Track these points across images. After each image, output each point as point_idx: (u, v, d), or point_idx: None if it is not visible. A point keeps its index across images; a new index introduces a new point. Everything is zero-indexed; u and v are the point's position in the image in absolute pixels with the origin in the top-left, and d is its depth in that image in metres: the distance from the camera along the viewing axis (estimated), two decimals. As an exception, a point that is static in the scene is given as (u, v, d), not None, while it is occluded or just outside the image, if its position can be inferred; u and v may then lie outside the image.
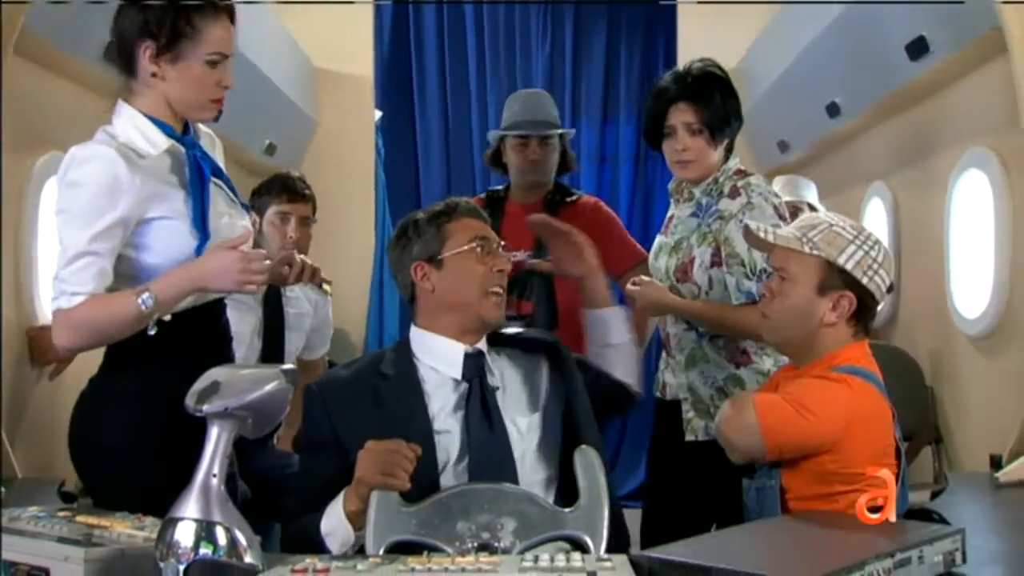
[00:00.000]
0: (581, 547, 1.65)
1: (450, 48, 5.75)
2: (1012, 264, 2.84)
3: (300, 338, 3.05)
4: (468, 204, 2.04)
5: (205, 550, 1.39)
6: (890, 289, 1.96)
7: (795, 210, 2.96)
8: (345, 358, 4.47)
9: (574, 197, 3.14)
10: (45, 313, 2.55)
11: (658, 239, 2.59)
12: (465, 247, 1.96)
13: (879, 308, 1.96)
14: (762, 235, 1.96)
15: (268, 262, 1.91)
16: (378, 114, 5.46)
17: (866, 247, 1.88)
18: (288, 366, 1.55)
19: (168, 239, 1.88)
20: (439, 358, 1.95)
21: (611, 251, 3.01)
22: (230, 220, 1.97)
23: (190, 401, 1.47)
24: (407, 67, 5.77)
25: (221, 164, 2.06)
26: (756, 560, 1.39)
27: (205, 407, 1.46)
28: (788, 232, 1.95)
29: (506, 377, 1.97)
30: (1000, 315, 2.90)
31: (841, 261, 1.87)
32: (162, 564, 1.38)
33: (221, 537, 1.41)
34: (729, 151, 2.50)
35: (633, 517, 2.38)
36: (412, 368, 1.95)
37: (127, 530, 1.53)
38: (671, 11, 5.42)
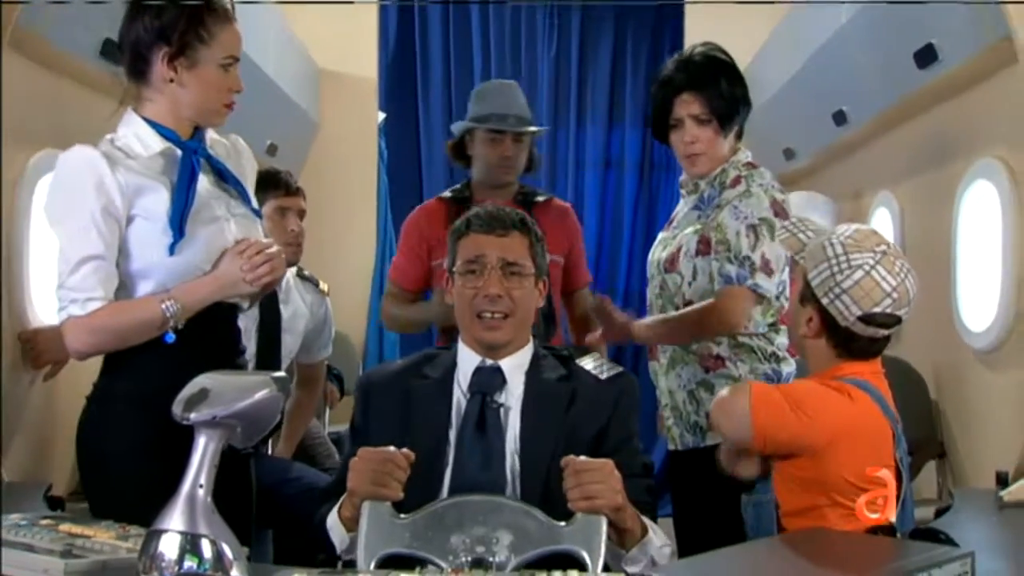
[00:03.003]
0: (578, 563, 1.61)
1: (455, 50, 5.73)
2: (1019, 277, 2.80)
3: (295, 340, 3.01)
4: (484, 218, 1.99)
5: (190, 563, 1.36)
6: (865, 319, 1.83)
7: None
8: (345, 362, 4.45)
9: (544, 198, 3.04)
10: (38, 316, 2.51)
11: (660, 235, 2.57)
12: (461, 268, 1.97)
13: (875, 334, 1.85)
14: (800, 236, 1.94)
15: (270, 248, 1.93)
16: (382, 116, 5.43)
17: (836, 269, 1.81)
18: (279, 374, 1.51)
19: (142, 243, 1.87)
20: (461, 369, 1.97)
21: (572, 264, 2.98)
22: (224, 225, 1.95)
23: (177, 409, 1.44)
24: (412, 69, 5.75)
25: (246, 172, 2.07)
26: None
27: (192, 415, 1.42)
28: (804, 237, 1.93)
29: (529, 395, 1.92)
30: (1007, 329, 2.86)
31: (810, 276, 1.85)
32: (144, 577, 1.35)
33: (207, 550, 1.38)
34: (739, 137, 2.45)
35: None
36: (451, 375, 1.97)
37: (110, 540, 1.50)
38: (678, 14, 5.39)
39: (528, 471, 1.85)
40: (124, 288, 1.88)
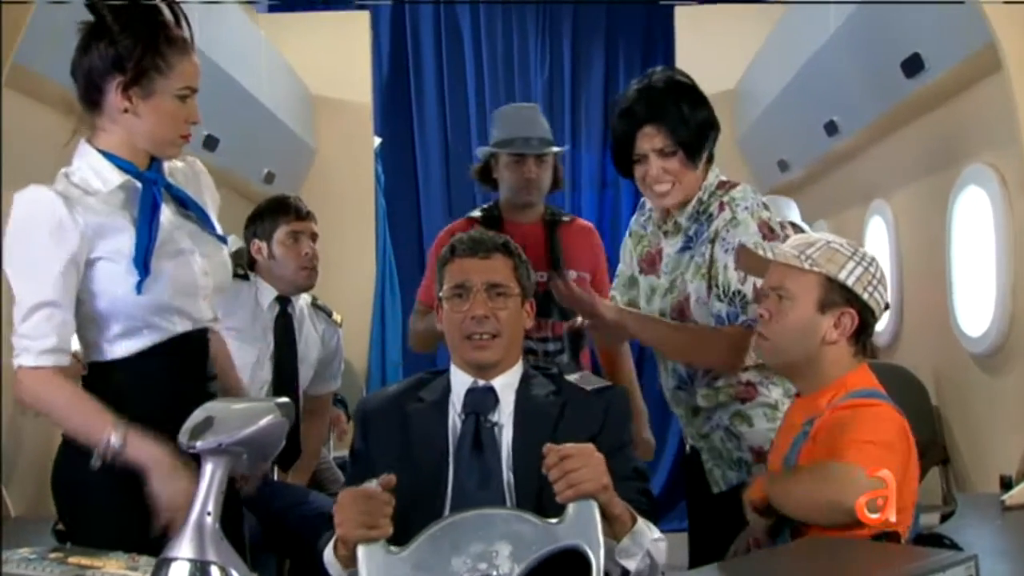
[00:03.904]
0: (583, 556, 1.61)
1: (448, 73, 5.78)
2: (1014, 281, 2.82)
3: (307, 370, 3.02)
4: (467, 243, 2.03)
5: (200, 590, 1.37)
6: (887, 306, 1.94)
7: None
8: (348, 388, 4.46)
9: (569, 218, 3.12)
10: None
11: (647, 281, 2.38)
12: (447, 293, 2.00)
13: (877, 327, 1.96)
14: (761, 252, 1.95)
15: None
16: (377, 141, 5.46)
17: (864, 263, 1.88)
18: (282, 400, 1.52)
19: (108, 281, 1.84)
20: (455, 391, 2.00)
21: (597, 282, 3.01)
22: (189, 258, 1.92)
23: (183, 438, 1.45)
24: (406, 93, 5.80)
25: (206, 194, 2.03)
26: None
27: (199, 444, 1.43)
28: (786, 249, 1.93)
29: (519, 412, 1.95)
30: (1004, 333, 2.87)
31: (842, 277, 1.86)
32: (156, 606, 1.36)
33: (216, 576, 1.38)
34: (709, 161, 2.27)
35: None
36: (445, 398, 1.99)
37: (120, 571, 1.51)
38: (668, 32, 5.43)
39: (522, 485, 1.86)
40: (94, 325, 1.86)
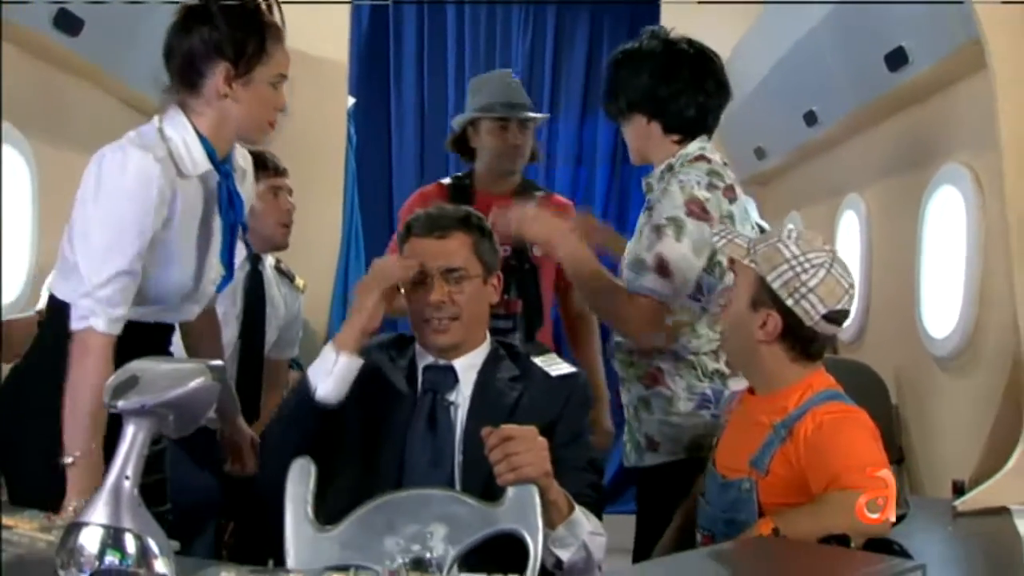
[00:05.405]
0: (519, 541, 1.57)
1: (429, 37, 5.66)
2: (981, 286, 2.78)
3: (271, 333, 2.94)
4: (423, 221, 1.97)
5: (111, 558, 1.30)
6: (834, 319, 1.84)
7: None
8: (307, 351, 4.37)
9: (544, 193, 3.04)
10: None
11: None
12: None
13: (835, 332, 1.90)
14: (727, 239, 1.90)
15: None
16: (351, 101, 5.34)
17: (800, 269, 1.81)
18: (216, 362, 1.45)
19: (164, 263, 1.85)
20: (418, 368, 1.96)
21: None
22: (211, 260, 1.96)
23: (106, 396, 1.37)
24: (384, 54, 5.68)
25: (247, 198, 2.04)
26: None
27: (120, 403, 1.36)
28: (740, 242, 1.90)
29: (477, 394, 1.91)
30: (968, 336, 2.84)
31: (769, 278, 1.82)
32: (62, 573, 1.28)
33: (130, 544, 1.31)
34: (700, 134, 2.31)
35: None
36: (414, 370, 1.96)
37: (33, 532, 1.44)
38: (654, 9, 5.34)
39: (472, 468, 1.82)
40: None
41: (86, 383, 1.75)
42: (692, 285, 2.21)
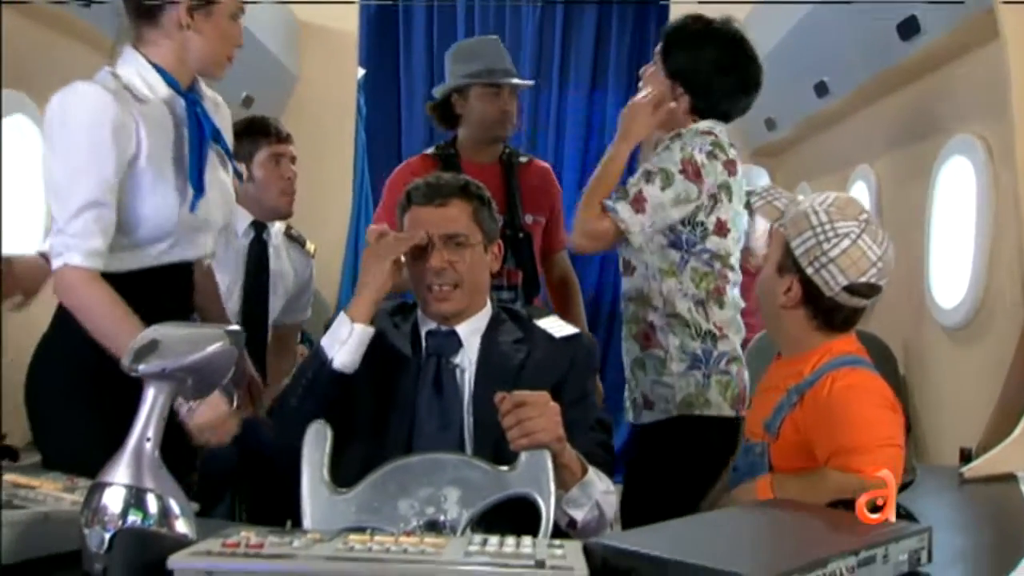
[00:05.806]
0: (533, 505, 1.59)
1: (439, 7, 5.64)
2: (991, 256, 2.79)
3: (278, 300, 2.94)
4: (423, 190, 1.98)
5: (134, 517, 1.33)
6: (859, 292, 1.82)
7: None
8: (317, 320, 4.40)
9: (526, 159, 3.03)
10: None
11: None
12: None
13: (860, 305, 1.85)
14: (766, 200, 1.91)
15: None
16: (361, 72, 5.34)
17: (823, 238, 1.78)
18: (233, 327, 1.47)
19: (149, 190, 1.82)
20: (421, 334, 1.97)
21: (551, 225, 2.97)
22: (220, 185, 1.96)
23: (126, 360, 1.39)
24: (394, 25, 5.66)
25: (224, 129, 2.02)
26: (715, 553, 1.32)
27: (141, 367, 1.38)
28: (781, 204, 1.89)
29: (483, 358, 1.92)
30: (976, 307, 2.85)
31: (793, 244, 1.80)
32: (86, 531, 1.31)
33: (152, 505, 1.34)
34: (702, 114, 2.44)
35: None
36: (417, 334, 1.97)
37: (56, 492, 1.47)
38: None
39: (481, 431, 1.84)
40: (123, 234, 1.83)
41: (94, 309, 1.78)
42: (657, 233, 2.35)
